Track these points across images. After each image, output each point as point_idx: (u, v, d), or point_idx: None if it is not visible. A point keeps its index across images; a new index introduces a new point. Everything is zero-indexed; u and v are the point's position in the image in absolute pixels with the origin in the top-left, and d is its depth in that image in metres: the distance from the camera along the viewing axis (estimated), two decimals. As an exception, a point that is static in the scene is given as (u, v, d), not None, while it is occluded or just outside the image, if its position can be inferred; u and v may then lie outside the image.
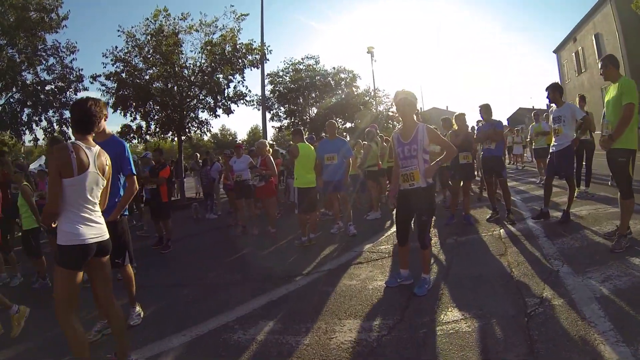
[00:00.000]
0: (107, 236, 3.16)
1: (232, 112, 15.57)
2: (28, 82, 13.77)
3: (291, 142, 7.49)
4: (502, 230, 6.60)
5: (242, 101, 15.35)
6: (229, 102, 15.26)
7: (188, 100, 14.85)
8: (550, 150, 6.60)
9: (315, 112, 27.71)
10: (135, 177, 4.00)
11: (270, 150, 8.65)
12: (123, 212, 3.98)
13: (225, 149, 13.16)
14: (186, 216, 12.22)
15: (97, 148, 3.16)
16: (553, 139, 6.62)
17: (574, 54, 30.82)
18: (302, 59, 27.39)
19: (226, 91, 15.16)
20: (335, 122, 7.66)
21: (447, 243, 6.18)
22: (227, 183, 10.00)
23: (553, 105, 6.73)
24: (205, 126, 15.72)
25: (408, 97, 4.22)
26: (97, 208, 3.16)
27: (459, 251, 5.74)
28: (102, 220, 3.19)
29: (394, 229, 7.63)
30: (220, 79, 15.03)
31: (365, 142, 9.39)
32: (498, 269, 4.82)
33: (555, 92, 6.50)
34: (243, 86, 15.56)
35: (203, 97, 15.13)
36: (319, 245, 6.94)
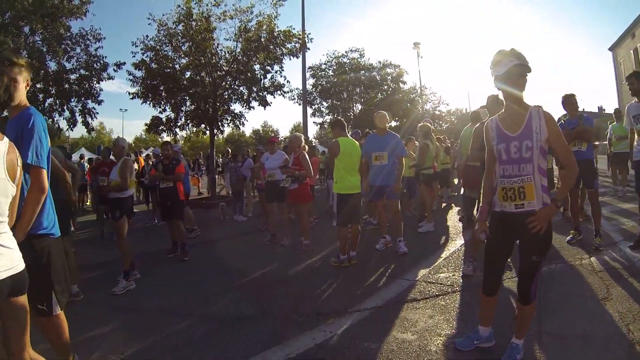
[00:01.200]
0: (21, 267, 2.05)
1: (269, 105, 14.34)
2: (51, 70, 13.04)
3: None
4: (593, 259, 5.12)
5: (279, 92, 14.07)
6: (265, 93, 14.02)
7: (221, 91, 13.73)
8: (635, 158, 5.26)
9: (359, 108, 26.23)
10: (44, 171, 2.38)
11: (306, 147, 7.26)
12: (48, 229, 2.54)
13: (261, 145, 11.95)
14: (213, 217, 11.12)
15: (5, 142, 2.01)
16: (635, 141, 5.28)
17: (632, 51, 27.89)
18: (345, 52, 26.00)
19: (262, 82, 13.96)
20: (387, 115, 6.21)
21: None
22: (259, 183, 8.73)
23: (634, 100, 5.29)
24: (239, 119, 14.57)
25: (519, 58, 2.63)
26: (5, 227, 2.00)
27: (546, 292, 4.12)
28: (13, 244, 2.04)
29: (452, 247, 6.40)
30: (257, 69, 13.82)
31: (418, 141, 7.89)
32: (608, 323, 3.41)
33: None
34: (281, 76, 14.30)
35: (237, 87, 13.96)
36: (361, 267, 5.58)
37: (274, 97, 14.03)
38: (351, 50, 25.92)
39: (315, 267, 5.91)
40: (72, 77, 13.32)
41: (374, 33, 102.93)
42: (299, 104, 22.39)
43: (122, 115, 75.65)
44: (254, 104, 14.30)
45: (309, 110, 24.45)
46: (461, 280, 4.77)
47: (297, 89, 22.93)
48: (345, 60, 25.83)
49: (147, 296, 4.96)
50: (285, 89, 14.18)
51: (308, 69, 23.16)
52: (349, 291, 4.66)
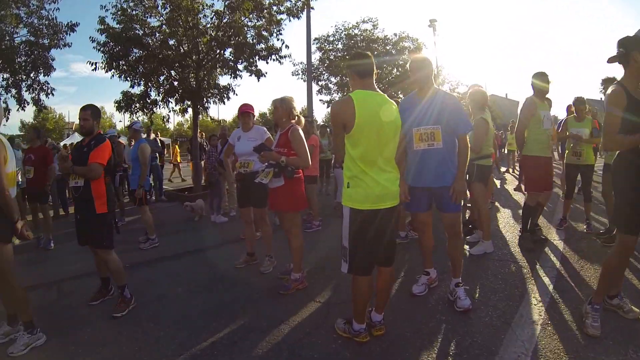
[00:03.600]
0: None
1: (263, 75, 11.48)
2: None
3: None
4: None
5: (274, 57, 11.25)
6: (256, 58, 11.17)
7: (205, 60, 11.03)
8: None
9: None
10: None
11: (302, 119, 4.49)
12: None
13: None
14: (189, 216, 8.55)
15: None
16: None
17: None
18: (357, 22, 22.92)
19: (254, 47, 11.06)
20: (428, 59, 3.59)
21: None
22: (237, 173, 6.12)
23: None
24: (226, 93, 11.78)
25: None
26: None
27: None
28: None
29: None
30: (249, 35, 10.98)
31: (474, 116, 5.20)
32: None
33: None
34: (277, 39, 11.43)
35: (222, 53, 11.22)
36: (391, 340, 3.03)
37: (267, 63, 11.16)
38: (363, 20, 22.82)
39: (315, 328, 3.36)
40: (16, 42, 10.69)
41: (389, 4, 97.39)
42: (304, 80, 19.53)
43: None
44: (244, 73, 11.52)
45: (315, 88, 21.60)
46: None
47: (301, 62, 20.33)
48: (356, 31, 22.81)
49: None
50: (283, 54, 11.28)
51: (314, 40, 20.29)
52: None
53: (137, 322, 3.74)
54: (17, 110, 11.11)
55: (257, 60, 11.20)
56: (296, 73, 20.97)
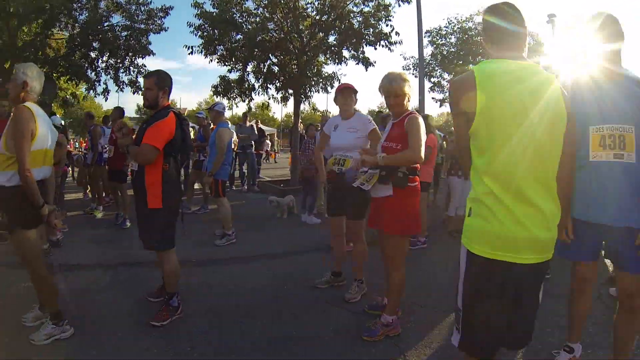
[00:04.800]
0: None
1: (372, 65, 10.39)
2: (81, 21, 10.89)
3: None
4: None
5: (383, 43, 9.96)
6: (364, 44, 10.00)
7: (307, 47, 10.27)
8: None
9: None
10: None
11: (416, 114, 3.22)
12: None
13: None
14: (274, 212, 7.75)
15: None
16: None
17: None
18: (470, 15, 20.79)
19: (363, 32, 9.93)
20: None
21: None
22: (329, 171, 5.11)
23: None
24: (330, 81, 10.83)
25: None
26: None
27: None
28: None
29: None
30: (355, 22, 9.92)
31: None
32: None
33: None
34: (386, 25, 10.06)
35: (325, 38, 10.30)
36: None
37: (375, 49, 10.00)
38: (477, 12, 20.63)
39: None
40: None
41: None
42: (415, 76, 18.05)
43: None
44: (350, 62, 10.55)
45: (427, 85, 19.92)
46: None
47: (412, 57, 19.29)
48: (470, 24, 20.73)
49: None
50: (393, 40, 9.99)
51: (425, 33, 18.72)
52: None
53: (173, 339, 3.04)
54: (116, 91, 11.77)
55: (365, 46, 10.13)
56: (407, 68, 19.45)
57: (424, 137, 2.91)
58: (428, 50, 20.53)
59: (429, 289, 4.04)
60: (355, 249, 3.91)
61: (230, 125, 7.09)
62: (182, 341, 3.00)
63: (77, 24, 10.93)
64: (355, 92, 3.84)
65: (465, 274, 1.78)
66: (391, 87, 2.93)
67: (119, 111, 6.78)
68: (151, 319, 3.19)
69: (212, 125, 6.89)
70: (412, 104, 3.16)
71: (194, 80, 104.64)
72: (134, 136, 3.46)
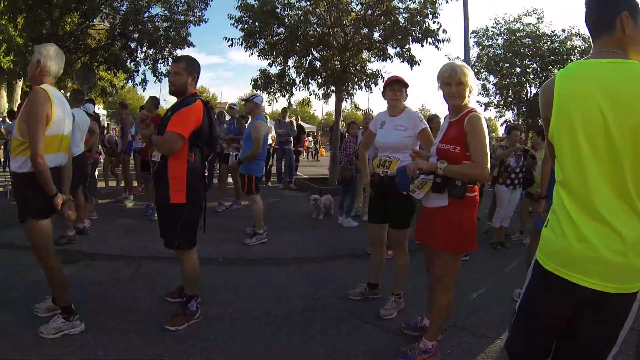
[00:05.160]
0: None
1: (417, 63, 9.94)
2: (122, 11, 11.09)
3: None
4: None
5: (430, 40, 9.42)
6: (410, 41, 9.56)
7: (350, 43, 9.90)
8: None
9: (533, 91, 19.98)
10: None
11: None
12: None
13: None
14: (310, 212, 7.43)
15: None
16: None
17: None
18: (518, 15, 19.84)
19: (409, 29, 9.48)
20: None
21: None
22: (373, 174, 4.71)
23: None
24: (374, 79, 10.34)
25: None
26: None
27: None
28: None
29: None
30: (401, 18, 9.50)
31: None
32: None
33: None
34: (433, 21, 9.54)
35: (367, 33, 9.90)
36: None
37: (422, 46, 9.52)
38: (526, 13, 19.63)
39: None
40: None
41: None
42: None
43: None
44: (395, 60, 10.15)
45: (472, 88, 19.25)
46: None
47: (457, 57, 18.15)
48: (518, 25, 19.79)
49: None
50: (440, 38, 9.43)
51: (472, 33, 18.04)
52: None
53: (188, 347, 2.78)
54: (154, 82, 11.86)
55: (411, 43, 9.65)
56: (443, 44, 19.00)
57: (488, 143, 2.48)
58: (474, 52, 19.86)
59: (471, 308, 3.61)
60: (396, 260, 3.52)
61: (269, 120, 6.90)
62: (197, 349, 2.73)
63: (117, 15, 11.12)
64: (406, 86, 3.42)
65: (530, 279, 1.64)
66: (454, 72, 2.48)
67: (153, 101, 6.57)
68: (168, 323, 2.93)
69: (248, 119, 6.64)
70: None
71: (236, 75, 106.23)
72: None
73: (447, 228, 2.47)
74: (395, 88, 3.37)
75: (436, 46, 9.56)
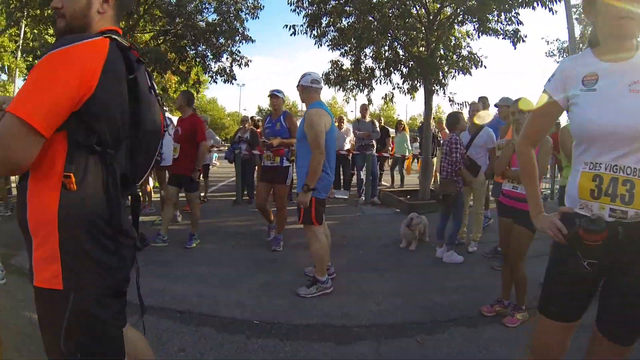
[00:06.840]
0: None
1: (522, 40, 7.48)
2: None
3: None
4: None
5: (540, 2, 6.69)
6: (515, 11, 7.16)
7: (436, 20, 7.84)
8: None
9: None
10: None
11: None
12: None
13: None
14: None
15: None
16: None
17: None
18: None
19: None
20: None
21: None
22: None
23: None
24: (472, 62, 7.97)
25: None
26: None
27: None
28: None
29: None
30: None
31: None
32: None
33: None
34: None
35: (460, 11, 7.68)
36: None
37: (534, 9, 6.77)
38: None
39: None
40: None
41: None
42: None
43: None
44: (494, 38, 7.70)
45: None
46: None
47: (557, 39, 16.59)
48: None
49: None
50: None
51: (573, 6, 14.96)
52: None
53: None
54: (209, 83, 11.59)
55: (517, 9, 7.23)
56: (551, 54, 16.13)
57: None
58: (577, 30, 16.65)
59: None
60: None
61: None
62: None
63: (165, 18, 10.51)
64: None
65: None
66: None
67: (185, 96, 5.11)
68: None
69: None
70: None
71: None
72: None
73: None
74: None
75: (550, 9, 6.97)
